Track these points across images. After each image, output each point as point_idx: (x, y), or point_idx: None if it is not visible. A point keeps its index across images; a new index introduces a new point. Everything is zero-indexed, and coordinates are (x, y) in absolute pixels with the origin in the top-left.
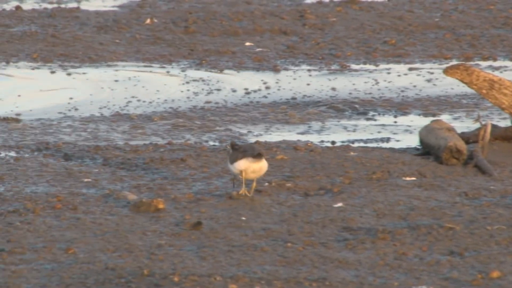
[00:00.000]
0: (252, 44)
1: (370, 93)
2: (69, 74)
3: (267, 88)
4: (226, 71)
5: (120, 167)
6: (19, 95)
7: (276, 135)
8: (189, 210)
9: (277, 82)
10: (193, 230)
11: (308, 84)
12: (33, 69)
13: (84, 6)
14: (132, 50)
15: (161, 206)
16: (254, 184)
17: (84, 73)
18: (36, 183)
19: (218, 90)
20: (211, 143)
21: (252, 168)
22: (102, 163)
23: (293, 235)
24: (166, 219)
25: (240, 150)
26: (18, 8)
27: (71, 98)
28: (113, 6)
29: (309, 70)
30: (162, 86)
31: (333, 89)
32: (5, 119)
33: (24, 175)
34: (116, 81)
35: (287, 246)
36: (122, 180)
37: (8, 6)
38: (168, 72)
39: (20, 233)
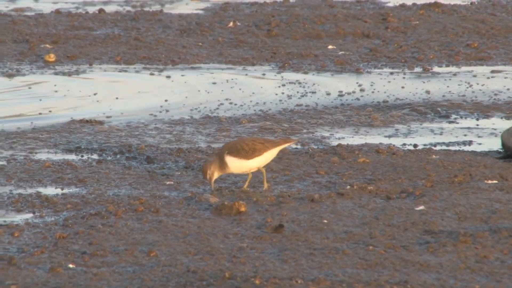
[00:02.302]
0: (334, 47)
1: (463, 95)
2: (168, 76)
3: (362, 90)
4: (322, 73)
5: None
6: (116, 98)
7: (358, 138)
8: (270, 213)
9: (371, 85)
10: (275, 233)
11: (403, 87)
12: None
13: (167, 9)
14: (215, 53)
15: (242, 209)
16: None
17: (182, 75)
18: (118, 186)
19: (313, 92)
20: (293, 146)
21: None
22: (184, 165)
23: (374, 238)
24: (248, 222)
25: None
26: (101, 11)
27: (166, 101)
28: (196, 9)
29: (400, 73)
30: (258, 88)
31: (427, 92)
32: (89, 121)
33: (107, 177)
34: (214, 83)
35: (369, 249)
36: (204, 183)
37: (92, 9)
38: (263, 74)
39: (102, 236)
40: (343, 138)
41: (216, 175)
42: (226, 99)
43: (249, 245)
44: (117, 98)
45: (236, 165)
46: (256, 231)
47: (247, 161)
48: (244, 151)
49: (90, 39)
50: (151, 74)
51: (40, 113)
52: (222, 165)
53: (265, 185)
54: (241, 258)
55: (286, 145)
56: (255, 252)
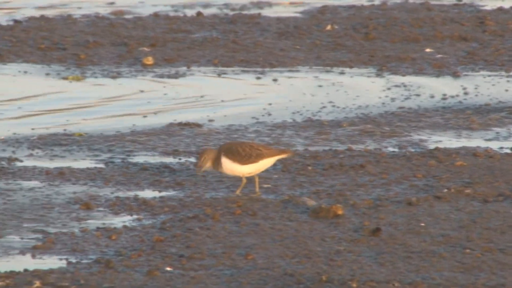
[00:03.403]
0: (432, 50)
1: None
2: (275, 79)
3: (465, 93)
4: (426, 76)
5: (300, 173)
6: (222, 100)
7: (456, 141)
8: (368, 216)
9: (475, 88)
10: (372, 236)
11: (506, 90)
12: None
13: (265, 12)
14: (312, 56)
15: (340, 212)
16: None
17: (290, 78)
18: (216, 189)
19: (417, 95)
20: (391, 149)
21: None
22: (281, 169)
23: (471, 241)
24: (345, 225)
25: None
26: (199, 14)
27: (269, 104)
28: (294, 12)
29: (504, 77)
30: (363, 91)
31: None
32: (188, 124)
33: (204, 180)
34: (320, 86)
35: (466, 252)
36: (301, 186)
37: (190, 12)
38: (368, 77)
39: (200, 239)
40: (441, 141)
41: (208, 166)
42: (330, 102)
43: (346, 248)
44: (222, 100)
45: (229, 167)
46: (353, 234)
47: (241, 166)
48: (240, 156)
49: (188, 42)
50: (257, 78)
51: (145, 116)
52: (217, 162)
53: (257, 191)
54: (338, 261)
55: (282, 156)
56: (352, 255)
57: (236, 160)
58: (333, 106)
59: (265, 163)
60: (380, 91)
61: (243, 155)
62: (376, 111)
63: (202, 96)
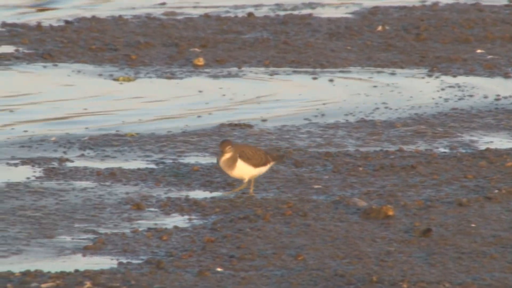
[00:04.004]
0: (483, 51)
1: None
2: (331, 80)
3: None
4: (478, 77)
5: (351, 174)
6: (277, 100)
7: (507, 142)
8: (418, 217)
9: None
10: (423, 237)
11: None
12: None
13: (316, 12)
14: (363, 56)
15: (390, 213)
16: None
17: (345, 78)
18: (266, 190)
19: (470, 96)
20: (442, 150)
21: None
22: (332, 169)
23: None
24: (396, 226)
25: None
26: (250, 15)
27: (323, 104)
28: (346, 13)
29: None
30: (417, 92)
31: None
32: (238, 125)
33: (255, 181)
34: (374, 87)
35: None
36: (352, 187)
37: (241, 13)
38: (420, 77)
39: (250, 240)
40: (492, 142)
41: (227, 155)
42: (383, 103)
43: (397, 249)
44: (277, 100)
45: (243, 170)
46: (403, 235)
47: (254, 169)
48: (254, 159)
49: (239, 43)
50: (314, 78)
51: (199, 116)
52: (232, 161)
53: (251, 191)
54: (389, 262)
55: (277, 161)
56: (402, 256)
57: (251, 163)
58: (386, 107)
59: (269, 167)
60: (433, 92)
61: (257, 158)
62: (430, 111)
63: (258, 97)
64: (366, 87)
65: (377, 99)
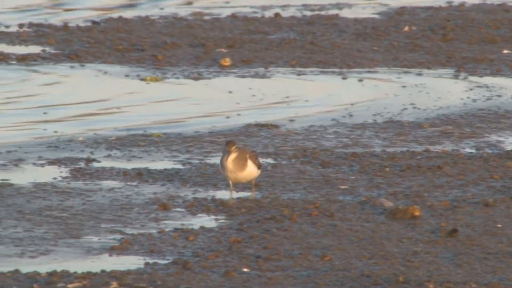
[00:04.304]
0: (509, 51)
1: None
2: (360, 80)
3: None
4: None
5: (377, 174)
6: (306, 100)
7: None
8: (445, 217)
9: None
10: (449, 237)
11: None
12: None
13: (343, 13)
14: (390, 57)
15: (417, 213)
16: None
17: (374, 79)
18: (293, 190)
19: (499, 96)
20: (468, 150)
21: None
22: (359, 170)
23: None
24: (422, 226)
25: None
26: (277, 15)
27: (352, 104)
28: (372, 14)
29: None
30: (445, 93)
31: None
32: (265, 125)
33: (281, 181)
34: (403, 87)
35: None
36: (379, 187)
37: (268, 13)
38: (447, 78)
39: (277, 240)
40: None
41: (233, 156)
42: (411, 104)
43: (423, 249)
44: (306, 100)
45: (252, 172)
46: (430, 236)
47: (258, 171)
48: (258, 162)
49: (265, 43)
50: (344, 78)
51: (227, 117)
52: (242, 163)
53: (252, 194)
54: (415, 262)
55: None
56: (429, 256)
57: (258, 165)
58: (414, 108)
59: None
60: (461, 92)
61: (256, 161)
62: (457, 112)
63: (287, 97)
64: (394, 87)
65: (405, 99)
